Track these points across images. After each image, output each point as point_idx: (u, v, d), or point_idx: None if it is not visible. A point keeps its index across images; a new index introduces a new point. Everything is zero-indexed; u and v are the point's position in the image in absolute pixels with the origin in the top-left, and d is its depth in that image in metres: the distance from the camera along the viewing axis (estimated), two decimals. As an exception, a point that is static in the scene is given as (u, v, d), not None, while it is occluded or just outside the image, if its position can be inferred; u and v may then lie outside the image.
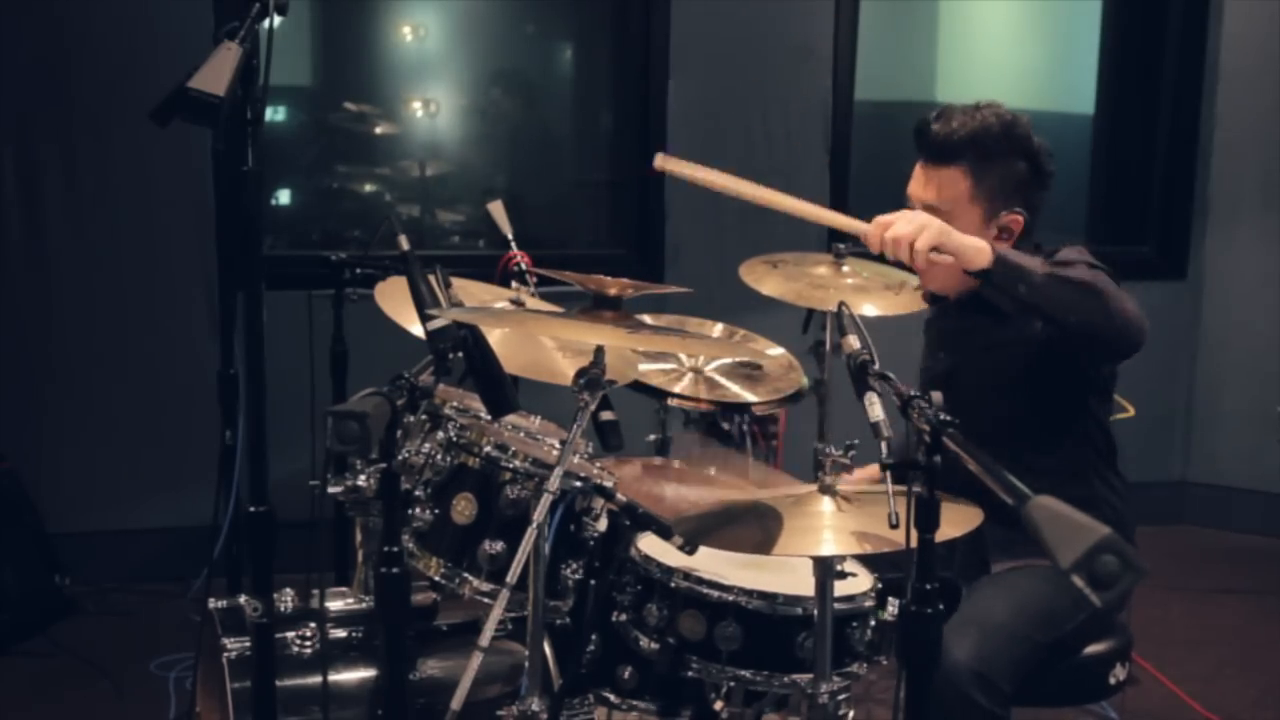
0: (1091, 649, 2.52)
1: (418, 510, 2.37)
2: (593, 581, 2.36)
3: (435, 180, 4.91)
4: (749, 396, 3.13)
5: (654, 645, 2.27)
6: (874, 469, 2.70)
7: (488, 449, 2.37)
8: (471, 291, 2.83)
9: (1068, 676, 2.50)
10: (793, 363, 3.25)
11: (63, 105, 4.08)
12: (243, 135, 2.27)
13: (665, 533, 2.20)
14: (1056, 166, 2.53)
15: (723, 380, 3.17)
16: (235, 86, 2.16)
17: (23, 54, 4.04)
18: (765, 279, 3.05)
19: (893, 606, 2.27)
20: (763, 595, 2.22)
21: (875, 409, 1.92)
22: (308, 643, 2.49)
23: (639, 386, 3.05)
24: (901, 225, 2.27)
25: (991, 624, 2.37)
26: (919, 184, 2.52)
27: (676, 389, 3.11)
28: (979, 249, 2.24)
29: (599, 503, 2.36)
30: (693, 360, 3.17)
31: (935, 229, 2.24)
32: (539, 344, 2.61)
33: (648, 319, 3.27)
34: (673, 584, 2.27)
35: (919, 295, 2.84)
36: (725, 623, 2.21)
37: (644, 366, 3.03)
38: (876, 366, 1.99)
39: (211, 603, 2.58)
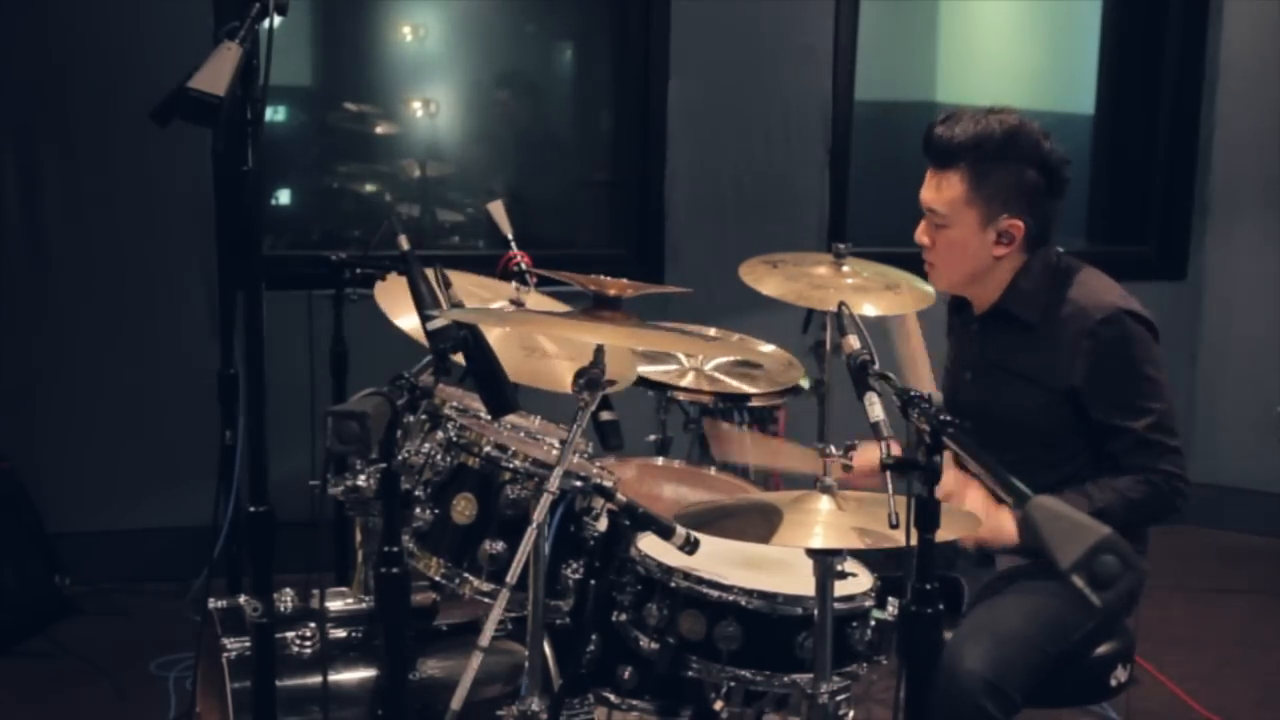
0: (1094, 651, 2.52)
1: (418, 510, 2.37)
2: (593, 581, 2.36)
3: (435, 180, 4.91)
4: (749, 389, 3.14)
5: (654, 645, 2.27)
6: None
7: (488, 449, 2.37)
8: (471, 289, 2.83)
9: (1070, 678, 2.50)
10: (791, 360, 3.25)
11: (63, 105, 4.08)
12: (243, 135, 2.27)
13: (665, 533, 2.21)
14: (1069, 176, 2.53)
15: (723, 378, 3.18)
16: (235, 86, 2.16)
17: (23, 54, 4.03)
18: (765, 279, 3.05)
19: (892, 606, 2.27)
20: (763, 595, 2.22)
21: (875, 409, 1.93)
22: (308, 643, 2.48)
23: (639, 380, 3.05)
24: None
25: (1004, 633, 2.38)
26: (926, 187, 2.55)
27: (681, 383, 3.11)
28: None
29: (599, 503, 2.36)
30: (693, 360, 3.17)
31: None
32: (539, 351, 2.61)
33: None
34: (673, 584, 2.27)
35: (938, 304, 2.86)
36: (725, 622, 2.21)
37: (645, 369, 3.03)
38: (876, 366, 1.99)
39: (211, 603, 2.58)
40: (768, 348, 3.29)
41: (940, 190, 2.52)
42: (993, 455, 1.70)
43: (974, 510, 2.37)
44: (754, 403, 3.15)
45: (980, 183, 2.48)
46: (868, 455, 2.86)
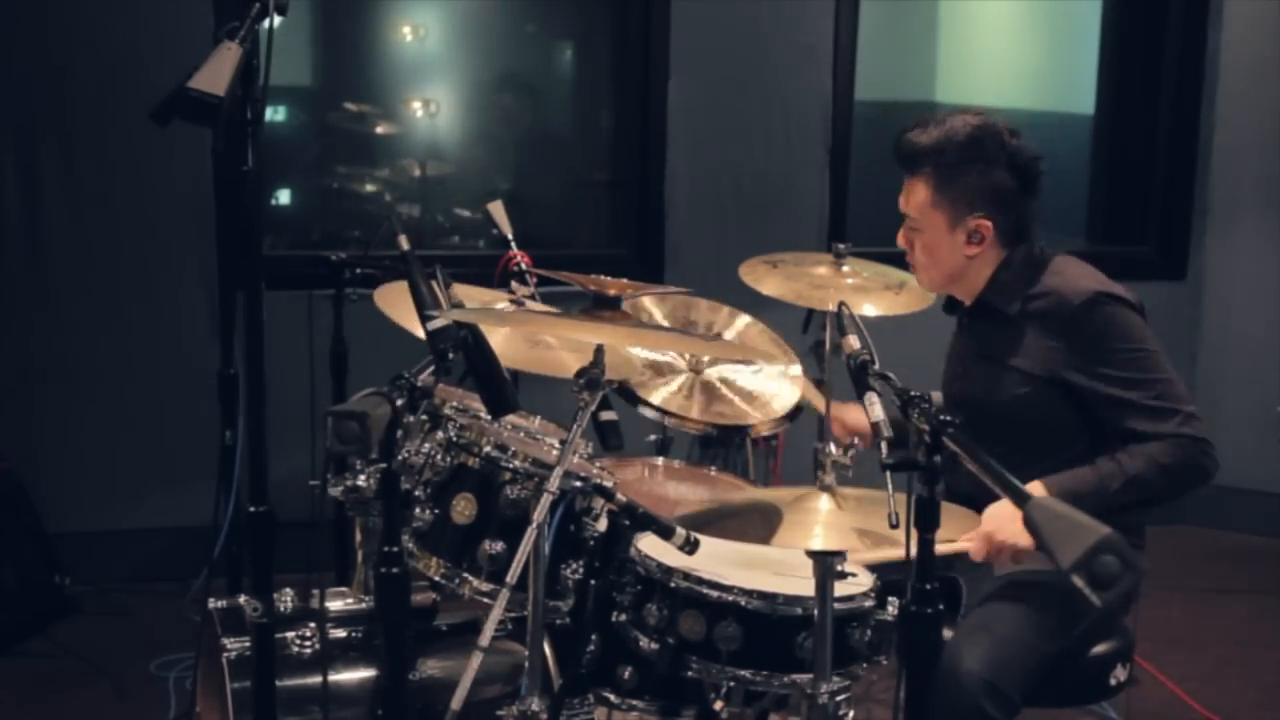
0: (1093, 650, 2.52)
1: (418, 510, 2.37)
2: (593, 581, 2.36)
3: (435, 180, 4.91)
4: (748, 414, 3.12)
5: (654, 645, 2.27)
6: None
7: (488, 449, 2.37)
8: (470, 297, 2.83)
9: (1069, 678, 2.50)
10: (787, 373, 3.24)
11: (63, 105, 4.08)
12: (243, 135, 2.27)
13: (665, 533, 2.21)
14: (1042, 171, 2.53)
15: (720, 384, 3.17)
16: (235, 86, 2.16)
17: (23, 54, 4.03)
18: (765, 279, 3.05)
19: (892, 606, 2.27)
20: (763, 595, 2.22)
21: (875, 409, 1.93)
22: (308, 643, 2.48)
23: (638, 400, 3.04)
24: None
25: (1002, 634, 2.38)
26: (902, 193, 2.59)
27: (671, 387, 3.10)
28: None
29: (599, 503, 2.36)
30: (692, 360, 3.17)
31: (1009, 548, 2.36)
32: (543, 343, 2.61)
33: (650, 300, 3.26)
34: (673, 584, 2.27)
35: (938, 304, 2.86)
36: (725, 623, 2.21)
37: (640, 351, 3.01)
38: (876, 366, 1.99)
39: (211, 603, 2.58)
40: (794, 368, 3.25)
41: (910, 196, 2.56)
42: (990, 452, 1.70)
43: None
44: (755, 431, 3.14)
45: (945, 186, 2.50)
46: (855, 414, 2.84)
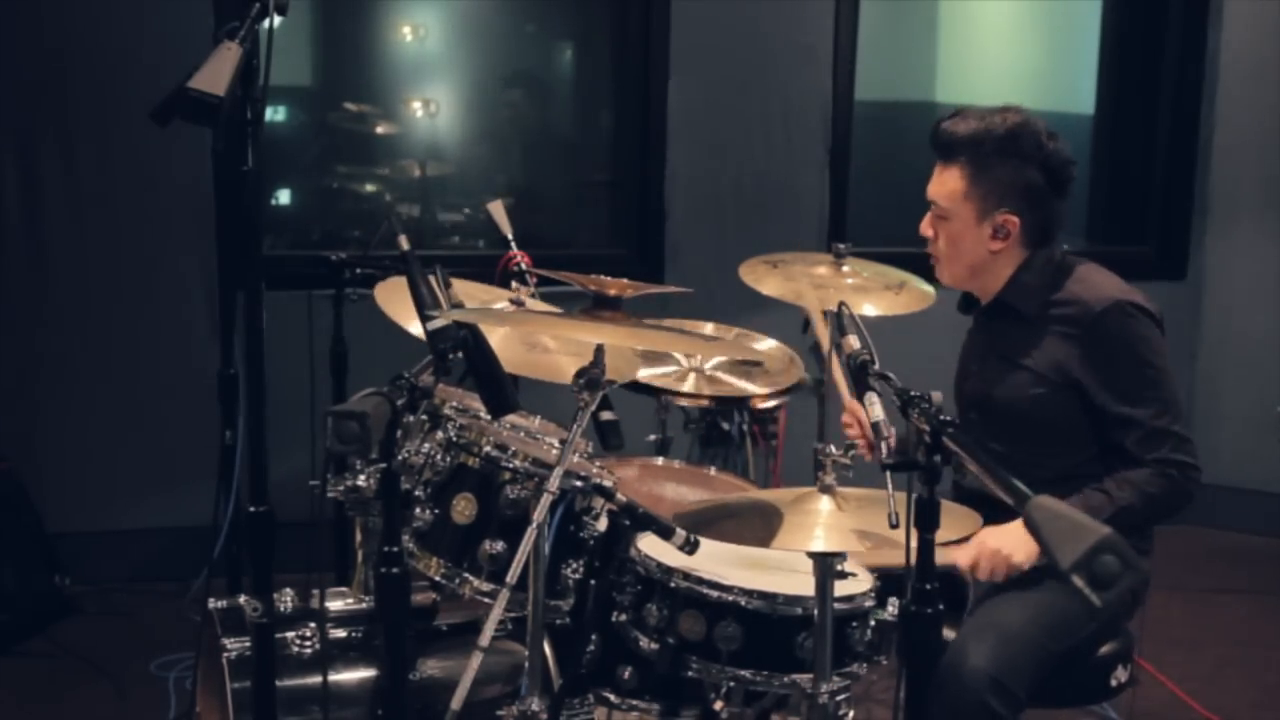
0: (1097, 650, 2.52)
1: (418, 510, 2.37)
2: (593, 581, 2.36)
3: (435, 180, 4.91)
4: (750, 388, 3.14)
5: (654, 645, 2.27)
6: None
7: (488, 449, 2.37)
8: (470, 293, 2.83)
9: (1069, 678, 2.50)
10: (793, 357, 3.25)
11: (63, 105, 4.08)
12: (243, 135, 2.27)
13: (665, 533, 2.21)
14: (1074, 176, 2.55)
15: (724, 377, 3.18)
16: (235, 86, 2.16)
17: (22, 54, 4.03)
18: (765, 279, 3.05)
19: (892, 606, 2.27)
20: (763, 595, 2.22)
21: (875, 409, 1.93)
22: (308, 643, 2.48)
23: (637, 387, 3.05)
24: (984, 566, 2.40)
25: (1009, 631, 2.38)
26: (932, 180, 2.59)
27: (671, 375, 3.12)
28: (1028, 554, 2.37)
29: (599, 503, 2.36)
30: (692, 360, 3.17)
31: (1003, 560, 2.36)
32: (540, 346, 2.62)
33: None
34: (673, 584, 2.27)
35: (954, 305, 2.85)
36: (725, 623, 2.21)
37: (645, 373, 3.03)
38: (876, 366, 1.99)
39: (211, 603, 2.58)
40: (767, 343, 3.28)
41: (942, 183, 2.56)
42: (994, 452, 1.70)
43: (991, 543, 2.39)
44: (755, 404, 3.15)
45: (979, 178, 2.51)
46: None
